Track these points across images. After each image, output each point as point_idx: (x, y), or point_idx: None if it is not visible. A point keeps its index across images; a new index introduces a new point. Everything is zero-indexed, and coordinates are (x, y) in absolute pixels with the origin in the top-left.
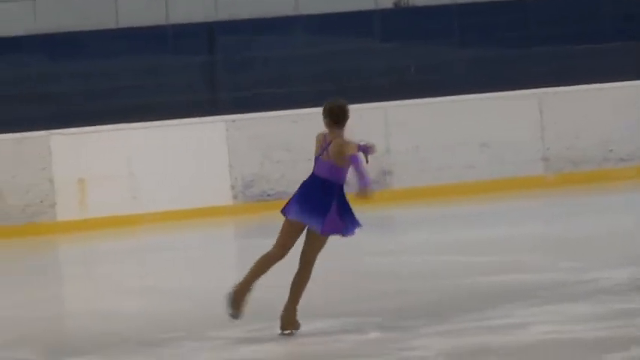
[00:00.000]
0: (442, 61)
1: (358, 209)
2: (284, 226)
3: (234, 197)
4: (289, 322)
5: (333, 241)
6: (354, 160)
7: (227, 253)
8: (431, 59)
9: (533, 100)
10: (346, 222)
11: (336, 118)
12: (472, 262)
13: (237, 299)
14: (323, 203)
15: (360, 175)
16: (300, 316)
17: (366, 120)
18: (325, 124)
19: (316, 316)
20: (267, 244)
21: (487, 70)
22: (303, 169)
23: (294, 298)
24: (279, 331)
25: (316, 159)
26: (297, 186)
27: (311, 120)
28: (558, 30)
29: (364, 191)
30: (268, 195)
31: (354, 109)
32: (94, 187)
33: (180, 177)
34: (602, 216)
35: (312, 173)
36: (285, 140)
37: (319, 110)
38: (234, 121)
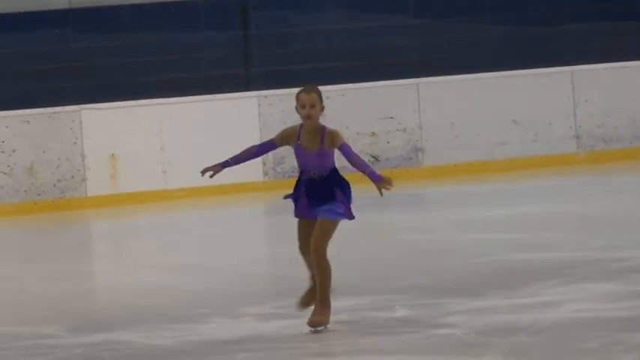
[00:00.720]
0: (475, 38)
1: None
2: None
3: (265, 174)
4: (317, 320)
5: (365, 219)
6: (345, 151)
7: (256, 229)
8: (463, 36)
9: (566, 78)
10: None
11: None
12: (503, 239)
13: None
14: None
15: (363, 166)
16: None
17: (399, 96)
18: (321, 110)
19: (346, 294)
20: (294, 220)
21: (519, 47)
22: None
23: (320, 296)
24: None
25: (307, 154)
26: None
27: (342, 96)
28: (591, 7)
29: (384, 182)
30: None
31: (387, 85)
32: (125, 162)
33: (212, 153)
34: (634, 195)
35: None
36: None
37: (350, 87)
38: (266, 96)
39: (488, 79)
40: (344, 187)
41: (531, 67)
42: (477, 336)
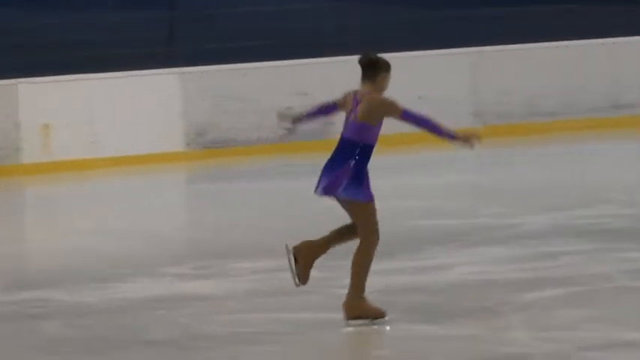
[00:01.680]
0: (387, 20)
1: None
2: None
3: (187, 144)
4: (350, 309)
5: (279, 186)
6: (407, 118)
7: (177, 196)
8: (377, 18)
9: (468, 59)
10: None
11: (362, 71)
12: (406, 207)
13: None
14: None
15: (432, 128)
16: (243, 255)
17: (313, 74)
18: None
19: (259, 256)
20: (216, 188)
21: (427, 29)
22: (251, 119)
23: (353, 281)
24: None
25: (345, 120)
26: (246, 135)
27: (260, 73)
28: None
29: (463, 140)
30: (218, 143)
31: (302, 64)
32: (57, 132)
33: (137, 125)
34: (526, 167)
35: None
36: (235, 92)
37: (268, 64)
38: (188, 73)
39: (397, 58)
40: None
41: (436, 49)
42: (379, 295)
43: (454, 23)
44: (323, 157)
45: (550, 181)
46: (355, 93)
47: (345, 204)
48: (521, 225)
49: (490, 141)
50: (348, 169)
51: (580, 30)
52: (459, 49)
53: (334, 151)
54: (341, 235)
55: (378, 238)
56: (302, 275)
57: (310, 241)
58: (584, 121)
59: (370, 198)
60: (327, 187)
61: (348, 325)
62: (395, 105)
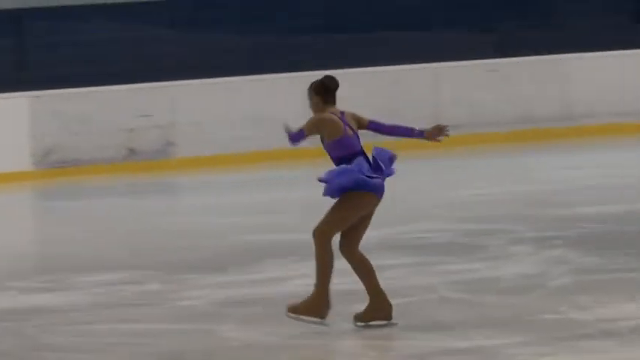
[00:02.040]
0: (226, 46)
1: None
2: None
3: (35, 164)
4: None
5: (123, 203)
6: (375, 127)
7: (25, 213)
8: (214, 45)
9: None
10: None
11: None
12: (244, 222)
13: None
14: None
15: (399, 131)
16: (88, 269)
17: (155, 97)
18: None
19: (103, 269)
20: (62, 205)
21: (263, 54)
22: (96, 140)
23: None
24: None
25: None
26: (91, 155)
27: (105, 96)
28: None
29: (432, 136)
30: (65, 162)
31: (141, 89)
32: None
33: None
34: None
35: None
36: (81, 114)
37: (114, 88)
38: (37, 97)
39: (234, 82)
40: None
41: (270, 73)
42: (216, 307)
43: (290, 50)
44: (165, 176)
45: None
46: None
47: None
48: None
49: (321, 159)
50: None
51: (403, 55)
52: (289, 73)
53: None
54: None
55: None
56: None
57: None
58: (410, 141)
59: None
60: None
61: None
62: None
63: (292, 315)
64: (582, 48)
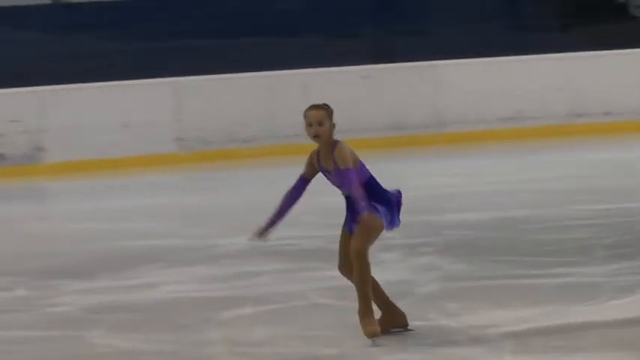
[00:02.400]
0: (94, 52)
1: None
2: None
3: None
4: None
5: None
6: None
7: None
8: (85, 50)
9: (171, 88)
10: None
11: None
12: (115, 228)
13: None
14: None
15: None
16: None
17: (25, 102)
18: (332, 128)
19: None
20: None
21: (132, 59)
22: None
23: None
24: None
25: (328, 175)
26: None
27: None
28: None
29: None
30: None
31: (9, 94)
32: None
33: None
34: (227, 190)
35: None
36: None
37: None
38: None
39: (105, 87)
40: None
41: (140, 79)
42: (86, 313)
43: (157, 54)
44: (35, 181)
45: (248, 203)
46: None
47: None
48: (222, 246)
49: (193, 166)
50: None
51: (275, 61)
52: (162, 78)
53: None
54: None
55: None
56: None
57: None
58: (280, 147)
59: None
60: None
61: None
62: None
63: (376, 337)
64: (454, 55)
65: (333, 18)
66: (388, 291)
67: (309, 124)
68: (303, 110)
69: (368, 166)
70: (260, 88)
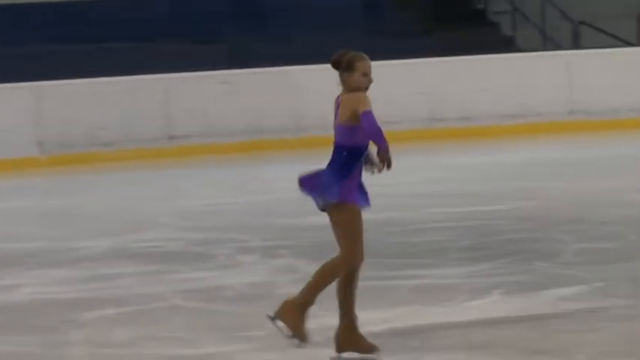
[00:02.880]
0: None
1: None
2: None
3: None
4: (348, 342)
5: None
6: (367, 120)
7: None
8: None
9: (30, 92)
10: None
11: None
12: None
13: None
14: (338, 170)
15: (380, 139)
16: None
17: None
18: None
19: None
20: None
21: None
22: None
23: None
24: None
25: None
26: None
27: None
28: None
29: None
30: None
31: None
32: None
33: None
34: (88, 194)
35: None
36: None
37: None
38: None
39: None
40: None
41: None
42: None
43: (16, 59)
44: None
45: (108, 207)
46: (337, 97)
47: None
48: (82, 248)
49: (54, 169)
50: (334, 173)
51: (136, 66)
52: (22, 83)
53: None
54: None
55: (360, 258)
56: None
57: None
58: (140, 151)
59: (352, 199)
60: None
61: None
62: (363, 101)
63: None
64: (313, 60)
65: (193, 24)
66: (248, 293)
67: (364, 74)
68: (163, 115)
69: (225, 170)
70: (120, 93)
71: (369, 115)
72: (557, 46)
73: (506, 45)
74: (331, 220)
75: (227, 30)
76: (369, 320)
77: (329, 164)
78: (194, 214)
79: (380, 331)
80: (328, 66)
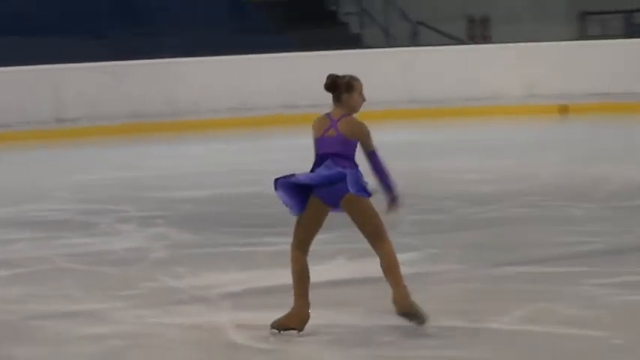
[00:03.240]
0: None
1: None
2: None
3: None
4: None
5: None
6: (374, 159)
7: None
8: None
9: None
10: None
11: (331, 92)
12: None
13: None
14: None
15: (386, 180)
16: None
17: None
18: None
19: None
20: None
21: None
22: None
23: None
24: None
25: (318, 140)
26: None
27: None
28: None
29: (393, 204)
30: None
31: None
32: None
33: None
34: None
35: (317, 156)
36: None
37: None
38: None
39: None
40: None
41: None
42: None
43: None
44: None
45: (7, 182)
46: (328, 114)
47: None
48: None
49: None
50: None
51: (32, 58)
52: None
53: (320, 168)
54: (304, 276)
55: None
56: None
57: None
58: (32, 133)
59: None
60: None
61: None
62: (370, 138)
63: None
64: (188, 53)
65: (80, 20)
66: (127, 257)
67: (361, 94)
68: (55, 101)
69: (109, 149)
70: (17, 82)
71: (377, 156)
72: (400, 44)
73: (354, 42)
74: (352, 214)
75: (113, 26)
76: (230, 281)
77: (333, 168)
78: (82, 187)
79: (239, 290)
80: (200, 59)
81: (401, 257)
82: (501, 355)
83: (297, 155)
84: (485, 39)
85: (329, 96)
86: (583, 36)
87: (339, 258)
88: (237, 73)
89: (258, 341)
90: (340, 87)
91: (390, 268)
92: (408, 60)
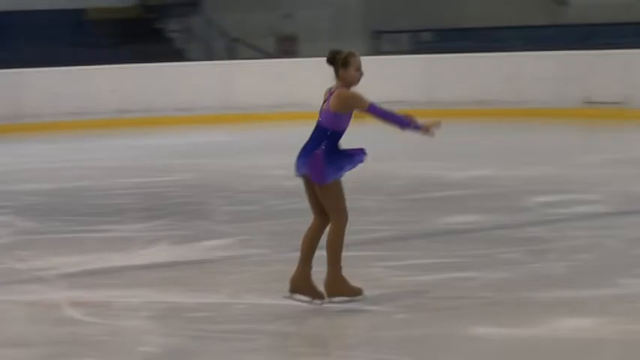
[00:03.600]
0: None
1: None
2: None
3: None
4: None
5: None
6: (373, 111)
7: None
8: None
9: None
10: (330, 168)
11: (332, 66)
12: None
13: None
14: (312, 149)
15: (393, 120)
16: None
17: None
18: None
19: None
20: None
21: None
22: None
23: (330, 261)
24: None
25: (320, 109)
26: None
27: None
28: None
29: (425, 130)
30: None
31: None
32: None
33: None
34: None
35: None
36: None
37: None
38: None
39: None
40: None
41: None
42: None
43: None
44: None
45: None
46: (331, 88)
47: (313, 186)
48: None
49: None
50: (318, 153)
51: None
52: None
53: (310, 135)
54: (313, 241)
55: (346, 217)
56: (316, 294)
57: (296, 272)
58: None
59: (332, 178)
60: (301, 168)
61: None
62: (361, 99)
63: (334, 297)
64: (35, 64)
65: None
66: None
67: (357, 69)
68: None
69: None
70: None
71: (374, 106)
72: (218, 57)
73: (179, 56)
74: (316, 191)
75: None
76: (66, 264)
77: (311, 137)
78: None
79: (75, 271)
80: (47, 69)
81: (216, 243)
82: (295, 329)
83: (129, 154)
84: (293, 54)
85: (156, 101)
86: (377, 52)
87: (163, 243)
88: (77, 82)
89: (91, 316)
90: (337, 61)
91: (331, 245)
92: (225, 72)
